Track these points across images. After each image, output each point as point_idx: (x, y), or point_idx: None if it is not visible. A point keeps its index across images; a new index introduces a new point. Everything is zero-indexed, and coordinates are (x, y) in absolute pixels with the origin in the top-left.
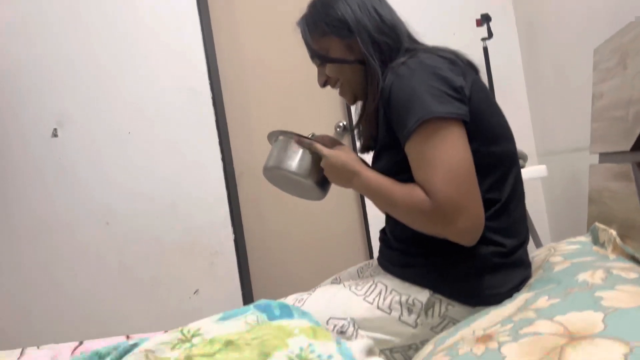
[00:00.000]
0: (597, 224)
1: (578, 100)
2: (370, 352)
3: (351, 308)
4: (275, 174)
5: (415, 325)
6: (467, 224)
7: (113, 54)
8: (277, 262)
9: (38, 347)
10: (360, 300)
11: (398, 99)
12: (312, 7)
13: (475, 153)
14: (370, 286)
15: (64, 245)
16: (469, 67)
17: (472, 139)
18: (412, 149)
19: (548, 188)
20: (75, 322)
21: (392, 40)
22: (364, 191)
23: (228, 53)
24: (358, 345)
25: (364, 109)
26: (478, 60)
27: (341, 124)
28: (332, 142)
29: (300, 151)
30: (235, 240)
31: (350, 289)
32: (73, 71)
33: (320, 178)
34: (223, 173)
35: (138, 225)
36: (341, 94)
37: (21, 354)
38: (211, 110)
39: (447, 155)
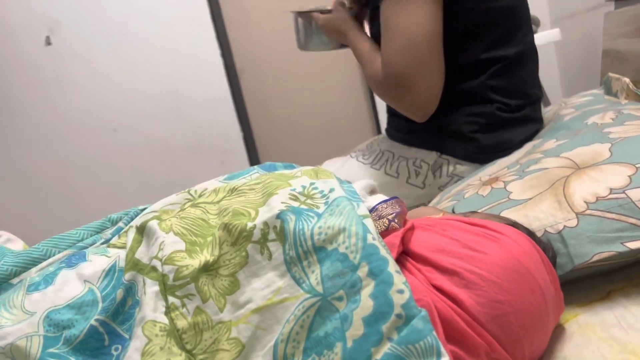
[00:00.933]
0: (610, 74)
1: None
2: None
3: (359, 175)
4: (306, 52)
5: (424, 186)
6: (415, 98)
7: None
8: (288, 153)
9: None
10: (368, 168)
11: None
12: None
13: (471, 11)
14: (377, 155)
15: (75, 153)
16: None
17: None
18: (382, 16)
19: (561, 53)
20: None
21: None
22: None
23: None
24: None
25: None
26: None
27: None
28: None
29: (310, 27)
30: (245, 139)
31: (357, 159)
32: None
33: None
34: (225, 70)
35: (145, 130)
36: None
37: None
38: (205, 4)
39: (406, 24)
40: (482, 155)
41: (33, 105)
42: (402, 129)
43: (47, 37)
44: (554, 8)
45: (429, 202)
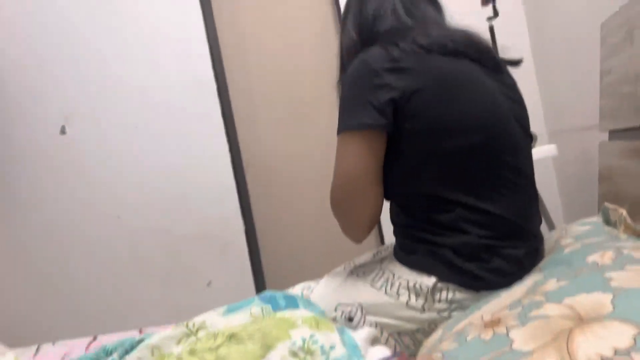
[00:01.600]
0: (606, 204)
1: (588, 77)
2: (374, 340)
3: (359, 294)
4: None
5: (423, 311)
6: (345, 227)
7: (116, 47)
8: (289, 251)
9: (53, 344)
10: (368, 287)
11: (340, 96)
12: None
13: (420, 152)
14: (378, 273)
15: (77, 240)
16: (442, 52)
17: (412, 135)
18: None
19: (559, 168)
20: (90, 316)
21: (368, 27)
22: None
23: (231, 41)
24: (361, 334)
25: None
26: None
27: None
28: None
29: None
30: (247, 232)
31: (357, 275)
32: (78, 67)
33: None
34: (231, 164)
35: (149, 218)
36: None
37: (37, 351)
38: (216, 101)
39: (342, 164)
40: (478, 283)
41: (40, 191)
42: (403, 248)
43: (63, 127)
44: (551, 123)
45: (428, 325)
